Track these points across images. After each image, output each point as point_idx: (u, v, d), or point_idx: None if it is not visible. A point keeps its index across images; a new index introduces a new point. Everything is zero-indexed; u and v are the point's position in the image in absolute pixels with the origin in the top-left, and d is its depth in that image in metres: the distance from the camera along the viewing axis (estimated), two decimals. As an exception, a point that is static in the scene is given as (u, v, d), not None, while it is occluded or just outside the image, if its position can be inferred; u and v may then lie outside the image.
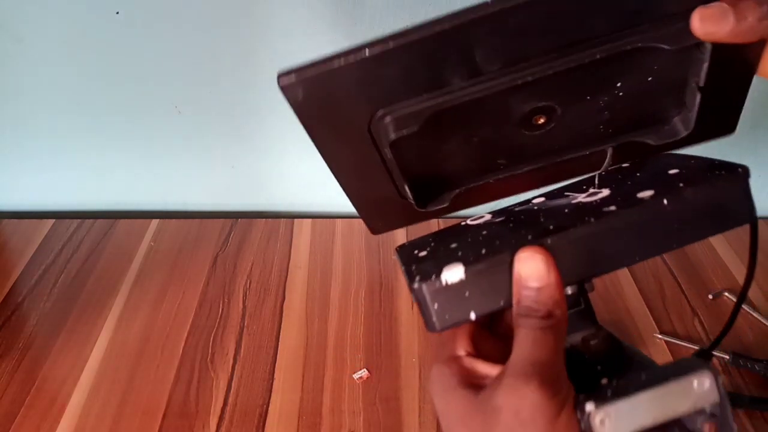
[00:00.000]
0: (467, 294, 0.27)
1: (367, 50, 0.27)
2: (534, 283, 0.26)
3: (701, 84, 0.28)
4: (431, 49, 0.27)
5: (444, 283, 0.27)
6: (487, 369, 0.28)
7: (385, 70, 0.28)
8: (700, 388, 0.24)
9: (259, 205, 0.92)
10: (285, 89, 0.29)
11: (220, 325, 0.70)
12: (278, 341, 0.68)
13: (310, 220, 0.87)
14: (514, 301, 0.27)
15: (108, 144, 0.84)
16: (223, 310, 0.72)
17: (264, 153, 0.86)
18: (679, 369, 0.25)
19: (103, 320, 0.70)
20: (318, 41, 0.74)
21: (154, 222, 0.86)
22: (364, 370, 0.65)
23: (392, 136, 0.28)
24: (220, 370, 0.65)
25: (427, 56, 0.28)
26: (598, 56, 0.26)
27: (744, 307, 0.72)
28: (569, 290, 0.28)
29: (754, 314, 0.70)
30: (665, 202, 0.27)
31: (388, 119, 0.28)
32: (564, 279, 0.27)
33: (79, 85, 0.78)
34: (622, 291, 0.74)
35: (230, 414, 0.61)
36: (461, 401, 0.27)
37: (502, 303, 0.27)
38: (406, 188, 0.32)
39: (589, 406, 0.24)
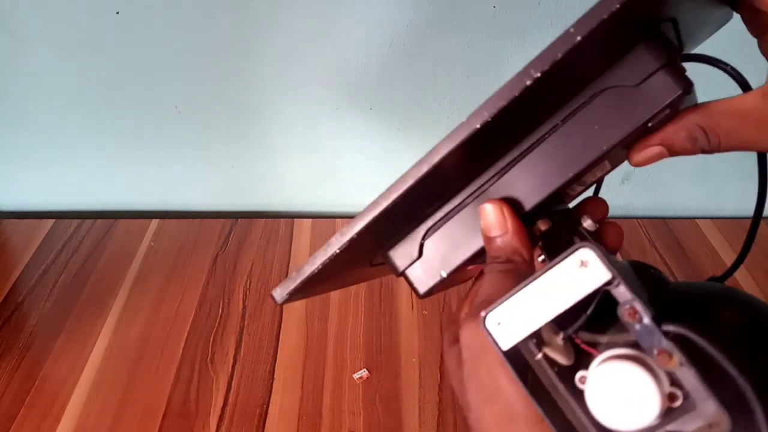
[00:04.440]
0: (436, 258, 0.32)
1: (336, 249, 0.30)
2: (494, 233, 0.29)
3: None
4: (394, 214, 0.30)
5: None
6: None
7: (366, 239, 0.31)
8: (584, 269, 0.22)
9: (259, 205, 0.92)
10: (285, 303, 0.32)
11: (220, 325, 0.70)
12: (278, 341, 0.68)
13: (310, 220, 0.87)
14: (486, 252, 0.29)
15: (108, 144, 0.84)
16: (223, 310, 0.72)
17: (264, 153, 0.86)
18: (562, 255, 0.23)
19: (103, 320, 0.70)
20: (318, 41, 0.74)
21: (154, 222, 0.86)
22: (364, 370, 0.65)
23: (399, 271, 0.33)
24: (220, 370, 0.65)
25: (392, 222, 0.31)
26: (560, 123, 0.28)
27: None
28: (542, 226, 0.30)
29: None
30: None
31: (389, 255, 0.33)
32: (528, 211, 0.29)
33: (79, 85, 0.78)
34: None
35: (230, 414, 0.61)
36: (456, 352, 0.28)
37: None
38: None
39: (483, 313, 0.24)
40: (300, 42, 0.74)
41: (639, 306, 0.21)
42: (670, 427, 0.20)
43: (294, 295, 0.32)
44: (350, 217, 0.87)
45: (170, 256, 0.80)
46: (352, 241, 0.29)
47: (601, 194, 0.36)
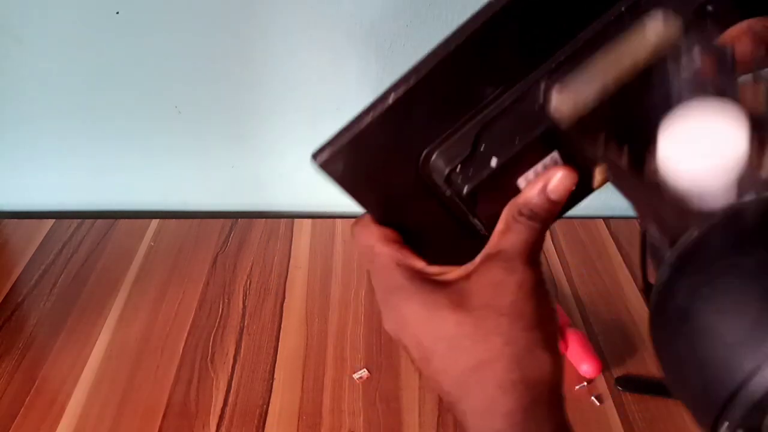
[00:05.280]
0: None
1: (390, 96, 0.27)
2: (554, 197, 0.28)
3: None
4: (453, 70, 0.27)
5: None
6: (457, 269, 0.29)
7: (416, 109, 0.27)
8: (654, 29, 0.21)
9: (259, 205, 0.92)
10: (324, 166, 0.28)
11: (220, 325, 0.70)
12: (278, 341, 0.68)
13: (310, 220, 0.87)
14: (525, 199, 0.28)
15: (108, 144, 0.84)
16: (223, 310, 0.72)
17: (264, 153, 0.86)
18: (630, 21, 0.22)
19: (103, 320, 0.70)
20: (318, 41, 0.74)
21: (154, 222, 0.86)
22: (364, 370, 0.65)
23: (446, 170, 0.28)
24: (220, 370, 0.65)
25: (451, 78, 0.27)
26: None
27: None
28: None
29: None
30: None
31: (436, 156, 0.28)
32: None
33: (79, 85, 0.78)
34: (621, 291, 0.74)
35: (230, 414, 0.61)
36: (449, 293, 0.27)
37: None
38: (476, 221, 0.30)
39: (545, 84, 0.24)
40: (300, 42, 0.74)
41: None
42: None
43: (336, 160, 0.28)
44: (350, 217, 0.88)
45: (170, 256, 0.80)
46: (409, 93, 0.27)
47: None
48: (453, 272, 0.29)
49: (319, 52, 0.75)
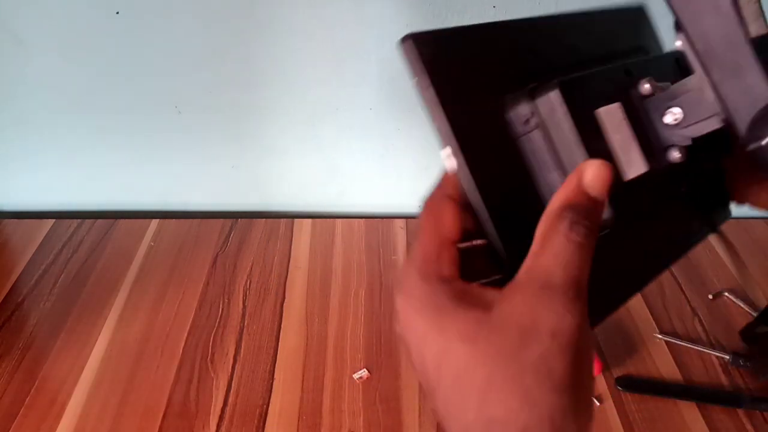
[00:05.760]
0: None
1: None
2: (594, 192, 0.24)
3: None
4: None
5: None
6: (486, 292, 0.24)
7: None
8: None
9: (259, 205, 0.92)
10: (414, 41, 0.24)
11: (220, 325, 0.70)
12: (278, 341, 0.68)
13: (310, 220, 0.87)
14: (561, 203, 0.24)
15: (108, 144, 0.84)
16: (223, 310, 0.72)
17: (264, 153, 0.86)
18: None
19: (103, 320, 0.70)
20: (318, 41, 0.74)
21: (154, 222, 0.86)
22: (364, 370, 0.65)
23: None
24: (220, 370, 0.65)
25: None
26: None
27: (744, 307, 0.72)
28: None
29: (755, 314, 0.70)
30: None
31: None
32: None
33: (79, 85, 0.78)
34: (622, 291, 0.74)
35: (230, 414, 0.61)
36: (465, 322, 0.23)
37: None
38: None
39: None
40: (300, 42, 0.74)
41: None
42: None
43: (427, 43, 0.24)
44: (350, 217, 0.88)
45: (170, 256, 0.80)
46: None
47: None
48: (484, 291, 0.24)
49: (319, 52, 0.75)
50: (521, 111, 0.26)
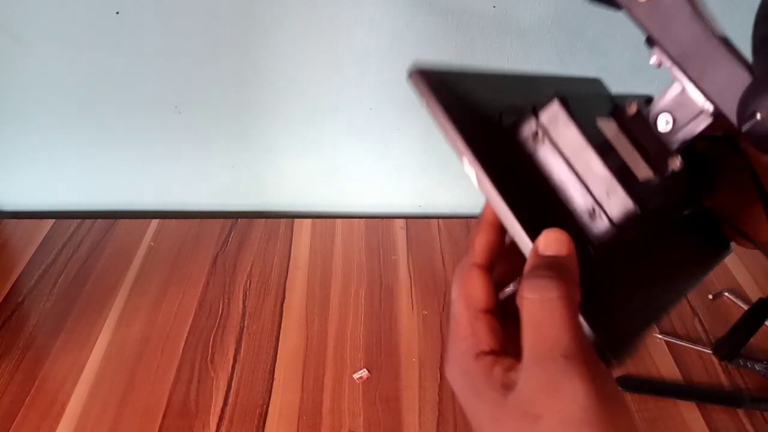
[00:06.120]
0: None
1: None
2: (552, 251, 0.24)
3: None
4: None
5: None
6: (514, 368, 0.25)
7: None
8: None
9: (259, 205, 0.92)
10: (420, 73, 0.26)
11: (220, 325, 0.70)
12: (278, 341, 0.68)
13: (310, 220, 0.87)
14: (524, 276, 0.24)
15: (108, 144, 0.84)
16: (223, 310, 0.72)
17: (264, 153, 0.86)
18: None
19: (103, 320, 0.70)
20: (318, 41, 0.74)
21: (154, 222, 0.86)
22: (364, 370, 0.65)
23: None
24: (220, 370, 0.65)
25: None
26: None
27: (744, 307, 0.72)
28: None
29: (754, 314, 0.70)
30: None
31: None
32: None
33: (79, 85, 0.78)
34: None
35: (230, 414, 0.61)
36: (491, 405, 0.24)
37: None
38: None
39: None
40: (300, 42, 0.74)
41: None
42: None
43: (431, 74, 0.26)
44: (350, 217, 0.88)
45: (170, 256, 0.80)
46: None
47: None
48: (513, 366, 0.24)
49: (319, 52, 0.75)
50: (528, 128, 0.28)
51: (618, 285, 0.28)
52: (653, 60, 0.28)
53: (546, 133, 0.27)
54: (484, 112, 0.28)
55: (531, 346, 0.23)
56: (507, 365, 0.25)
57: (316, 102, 0.80)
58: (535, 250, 0.24)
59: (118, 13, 0.71)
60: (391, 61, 0.76)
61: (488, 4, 0.71)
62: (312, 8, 0.71)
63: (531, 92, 0.32)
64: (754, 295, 0.74)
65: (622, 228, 0.26)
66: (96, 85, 0.78)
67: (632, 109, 0.30)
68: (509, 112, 0.29)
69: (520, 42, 0.74)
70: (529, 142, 0.28)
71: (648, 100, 0.32)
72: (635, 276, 0.29)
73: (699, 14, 0.26)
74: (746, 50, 0.26)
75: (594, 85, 0.39)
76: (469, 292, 0.27)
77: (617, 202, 0.26)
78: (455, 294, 0.28)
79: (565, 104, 0.27)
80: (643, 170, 0.28)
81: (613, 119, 0.29)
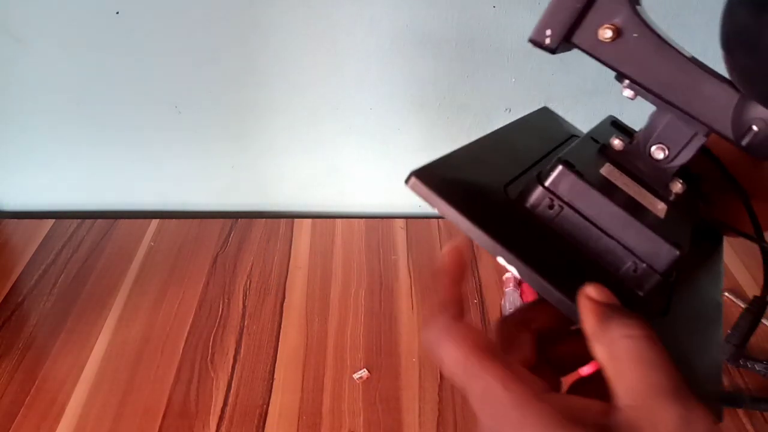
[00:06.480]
0: None
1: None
2: (610, 299, 0.24)
3: None
4: None
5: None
6: (584, 402, 0.22)
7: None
8: None
9: (259, 205, 0.92)
10: (417, 177, 0.27)
11: (220, 325, 0.70)
12: (278, 341, 0.68)
13: (310, 220, 0.87)
14: (595, 321, 0.23)
15: (108, 144, 0.84)
16: (223, 310, 0.72)
17: (264, 153, 0.86)
18: None
19: (103, 320, 0.70)
20: (318, 41, 0.74)
21: (154, 222, 0.86)
22: (364, 370, 0.65)
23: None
24: (220, 370, 0.65)
25: None
26: None
27: (743, 306, 0.72)
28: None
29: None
30: None
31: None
32: None
33: (79, 85, 0.78)
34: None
35: (230, 414, 0.61)
36: None
37: None
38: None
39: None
40: (300, 42, 0.74)
41: None
42: None
43: (434, 175, 0.27)
44: (350, 217, 0.88)
45: (170, 256, 0.80)
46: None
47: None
48: (589, 404, 0.22)
49: (319, 52, 0.75)
50: (538, 197, 0.27)
51: (681, 328, 0.27)
52: (628, 93, 0.28)
53: (561, 200, 0.27)
54: (486, 191, 0.28)
55: (648, 381, 0.21)
56: (580, 403, 0.22)
57: (316, 102, 0.80)
58: (589, 299, 0.23)
59: (118, 13, 0.71)
60: (391, 61, 0.76)
61: (488, 4, 0.71)
62: (312, 8, 0.71)
63: (511, 153, 0.32)
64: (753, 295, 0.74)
65: (667, 275, 0.26)
66: (96, 85, 0.78)
67: (618, 144, 0.30)
68: (510, 183, 0.28)
69: (520, 42, 0.74)
70: (545, 211, 0.27)
71: (613, 123, 0.32)
72: (687, 314, 0.28)
73: (666, 41, 0.26)
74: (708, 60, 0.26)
75: (547, 118, 0.39)
76: (480, 345, 0.23)
77: (661, 254, 0.26)
78: (455, 352, 0.23)
79: (572, 168, 0.26)
80: (657, 205, 0.28)
81: (606, 161, 0.29)
